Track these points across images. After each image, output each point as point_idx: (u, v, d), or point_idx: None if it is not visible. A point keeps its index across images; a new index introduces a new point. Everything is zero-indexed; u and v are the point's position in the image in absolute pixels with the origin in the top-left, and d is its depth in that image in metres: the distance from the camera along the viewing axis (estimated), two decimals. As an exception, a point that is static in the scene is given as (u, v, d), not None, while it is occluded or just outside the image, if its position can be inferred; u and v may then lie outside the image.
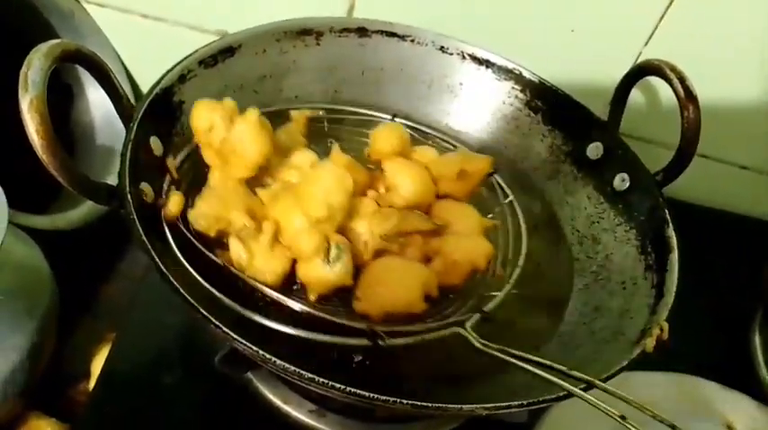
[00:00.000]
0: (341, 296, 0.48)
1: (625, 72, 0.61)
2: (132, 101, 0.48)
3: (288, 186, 0.50)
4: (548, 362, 0.41)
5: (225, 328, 0.37)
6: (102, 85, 0.46)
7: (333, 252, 0.46)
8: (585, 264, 0.57)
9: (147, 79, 0.81)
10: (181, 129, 0.52)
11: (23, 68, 0.39)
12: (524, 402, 0.38)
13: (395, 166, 0.54)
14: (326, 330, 0.44)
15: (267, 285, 0.46)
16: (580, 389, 0.40)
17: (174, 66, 0.52)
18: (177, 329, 0.61)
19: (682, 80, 0.53)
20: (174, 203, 0.47)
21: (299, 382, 0.38)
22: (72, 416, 0.62)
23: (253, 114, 0.48)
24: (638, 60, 0.72)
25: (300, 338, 0.43)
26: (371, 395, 0.36)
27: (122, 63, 0.79)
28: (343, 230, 0.48)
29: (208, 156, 0.50)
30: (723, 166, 0.83)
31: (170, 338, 0.61)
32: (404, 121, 0.64)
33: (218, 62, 0.55)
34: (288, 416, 0.55)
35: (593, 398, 0.39)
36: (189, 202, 0.48)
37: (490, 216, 0.57)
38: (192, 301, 0.38)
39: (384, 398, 0.36)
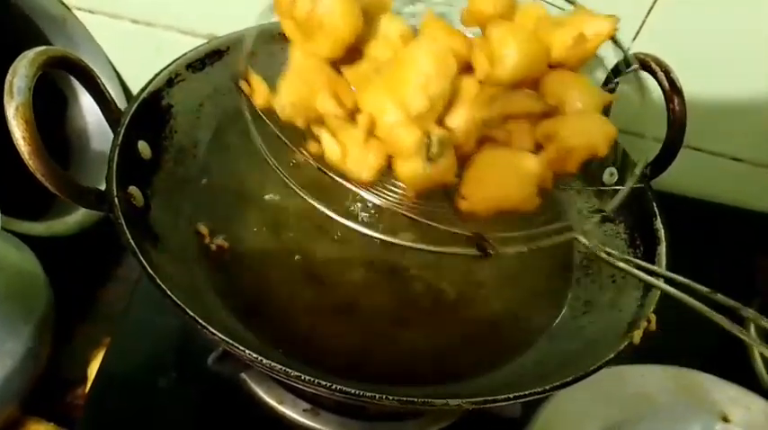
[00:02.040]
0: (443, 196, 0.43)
1: (612, 66, 0.61)
2: (123, 105, 0.49)
3: (379, 66, 0.43)
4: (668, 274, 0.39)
5: (212, 330, 0.38)
6: (89, 91, 0.47)
7: (434, 148, 0.40)
8: (575, 258, 0.57)
9: (138, 84, 0.80)
10: (169, 132, 0.52)
11: (8, 76, 0.39)
12: (510, 396, 0.38)
13: (500, 33, 0.44)
14: (427, 240, 0.39)
15: (362, 184, 0.41)
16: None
17: (162, 70, 0.52)
18: (172, 332, 0.61)
19: (667, 73, 0.53)
20: (259, 93, 0.43)
21: (286, 381, 0.38)
22: (70, 421, 0.62)
23: None
24: (626, 53, 0.72)
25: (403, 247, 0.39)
26: (358, 392, 0.36)
27: (114, 68, 0.79)
28: (441, 118, 0.42)
29: (287, 29, 0.44)
30: (716, 159, 0.83)
31: (165, 341, 0.61)
32: None
33: (207, 65, 0.55)
34: (282, 416, 0.55)
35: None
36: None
37: (610, 87, 0.51)
38: (181, 304, 0.39)
39: (370, 394, 0.36)
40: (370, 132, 0.41)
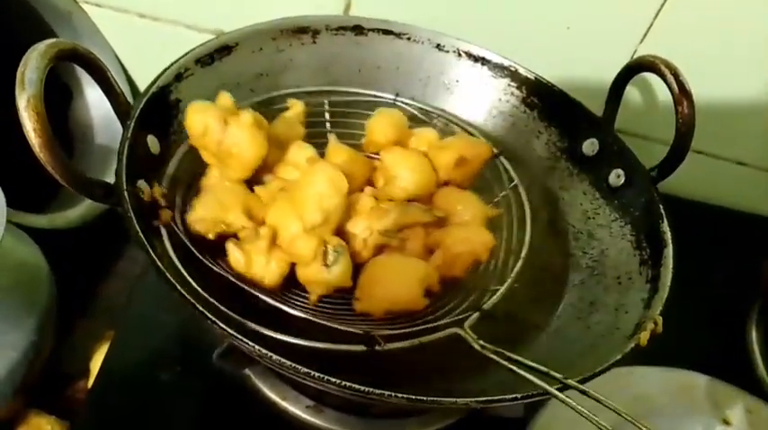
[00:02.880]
0: (344, 295, 0.48)
1: (620, 68, 0.61)
2: (130, 99, 0.49)
3: (285, 185, 0.49)
4: (544, 369, 0.41)
5: (221, 324, 0.38)
6: (98, 84, 0.47)
7: (330, 255, 0.45)
8: (581, 259, 0.57)
9: (144, 78, 0.81)
10: (177, 127, 0.52)
11: (20, 68, 0.39)
12: (518, 396, 0.38)
13: (393, 157, 0.53)
14: (324, 336, 0.43)
15: (265, 290, 0.46)
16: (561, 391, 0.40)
17: (171, 64, 0.52)
18: (175, 327, 0.61)
19: (676, 75, 0.53)
20: (164, 214, 0.47)
21: (295, 377, 0.38)
22: (71, 415, 0.62)
23: (247, 117, 0.48)
24: (634, 57, 0.72)
25: (297, 346, 0.41)
26: (367, 389, 0.36)
27: (120, 62, 0.79)
28: (341, 229, 0.48)
29: (205, 156, 0.50)
30: (719, 163, 0.83)
31: (168, 336, 0.61)
32: (406, 101, 0.63)
33: (215, 60, 0.55)
34: (285, 412, 0.55)
35: (577, 405, 0.40)
36: (187, 202, 0.49)
37: (496, 200, 0.57)
38: (190, 298, 0.39)
39: (379, 391, 0.36)
40: (273, 243, 0.46)
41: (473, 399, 0.38)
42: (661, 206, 0.54)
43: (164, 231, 0.45)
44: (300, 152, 0.52)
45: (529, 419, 0.59)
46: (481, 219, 0.53)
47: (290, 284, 0.48)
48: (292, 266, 0.47)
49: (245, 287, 0.45)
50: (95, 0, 0.74)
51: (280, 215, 0.47)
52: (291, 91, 0.60)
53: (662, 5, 0.68)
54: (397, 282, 0.46)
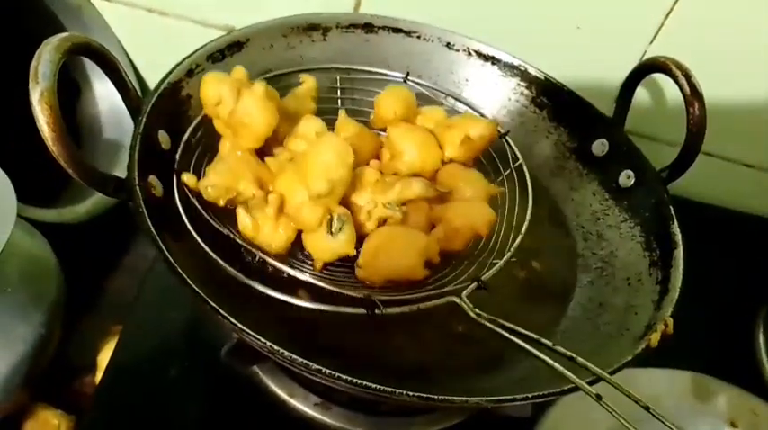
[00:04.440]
0: (346, 264, 0.49)
1: (631, 69, 0.61)
2: (139, 94, 0.49)
3: (294, 156, 0.50)
4: (536, 336, 0.42)
5: (232, 320, 0.38)
6: (110, 79, 0.47)
7: (335, 224, 0.47)
8: (590, 260, 0.57)
9: (152, 73, 0.81)
10: (189, 122, 0.52)
11: (34, 62, 0.39)
12: (529, 395, 0.38)
13: (399, 133, 0.55)
14: (326, 300, 0.45)
15: (272, 254, 0.47)
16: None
17: (182, 60, 0.52)
18: (183, 322, 0.61)
19: (687, 77, 0.53)
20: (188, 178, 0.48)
21: (305, 373, 0.38)
22: (78, 408, 0.62)
23: (259, 88, 0.49)
24: (644, 58, 0.72)
25: (301, 308, 0.43)
26: (377, 387, 0.36)
27: (128, 57, 0.79)
28: (346, 200, 0.49)
29: (218, 126, 0.51)
30: (728, 164, 0.83)
31: (176, 331, 0.61)
32: (416, 80, 0.63)
33: (226, 57, 0.55)
34: (293, 409, 0.55)
35: (573, 376, 0.40)
36: (201, 171, 0.50)
37: (500, 179, 0.58)
38: (201, 293, 0.39)
39: (390, 389, 0.36)
40: (280, 210, 0.48)
41: (484, 399, 0.38)
42: (671, 207, 0.54)
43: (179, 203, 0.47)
44: (310, 125, 0.53)
45: (537, 419, 0.59)
46: (483, 195, 0.54)
47: (296, 252, 0.49)
48: (299, 234, 0.49)
49: (253, 249, 0.47)
50: (104, -6, 0.74)
51: (287, 183, 0.48)
52: (305, 68, 0.60)
53: (672, 6, 0.68)
54: (399, 252, 0.48)
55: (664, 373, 0.66)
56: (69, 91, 0.79)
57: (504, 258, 0.51)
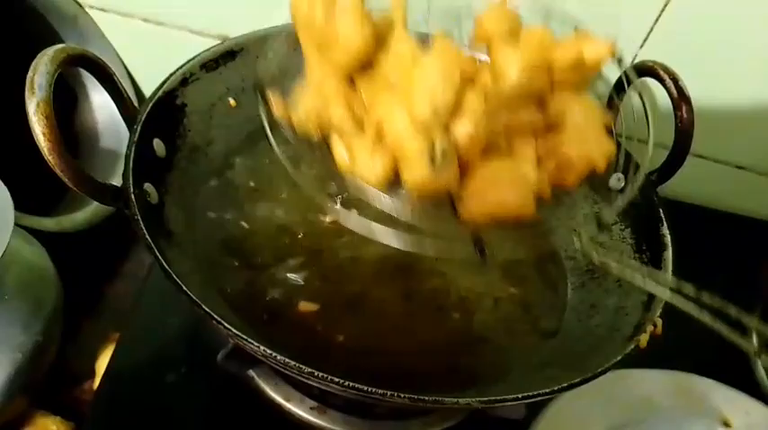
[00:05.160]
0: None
1: (620, 73, 0.62)
2: (135, 103, 0.49)
3: (389, 80, 0.45)
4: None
5: (226, 325, 0.38)
6: (106, 89, 0.47)
7: (438, 155, 0.42)
8: (581, 262, 0.58)
9: (148, 82, 0.82)
10: (183, 131, 0.53)
11: (30, 72, 0.40)
12: (520, 395, 0.39)
13: (503, 54, 0.47)
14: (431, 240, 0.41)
15: (370, 185, 0.43)
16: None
17: (177, 69, 0.53)
18: (180, 328, 0.62)
19: (675, 80, 0.54)
20: (278, 104, 0.45)
21: (299, 377, 0.38)
22: (77, 415, 0.63)
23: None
24: (633, 62, 0.73)
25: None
26: (369, 389, 0.37)
27: (125, 66, 0.79)
28: (448, 127, 0.43)
29: (305, 43, 0.46)
30: (719, 166, 0.84)
31: (173, 337, 0.61)
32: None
33: (220, 65, 0.56)
34: (289, 413, 0.56)
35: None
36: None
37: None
38: (195, 298, 0.39)
39: (381, 391, 0.37)
40: (378, 139, 0.42)
41: (475, 399, 0.38)
42: (661, 209, 0.55)
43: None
44: (404, 45, 0.46)
45: (531, 420, 0.59)
46: (600, 124, 0.48)
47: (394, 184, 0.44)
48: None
49: (350, 181, 0.43)
50: (100, 4, 0.75)
51: (386, 109, 0.43)
52: None
53: (662, 10, 0.68)
54: (509, 185, 0.43)
55: (657, 374, 0.67)
56: (67, 100, 0.80)
57: (626, 195, 0.47)
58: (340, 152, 0.43)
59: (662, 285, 0.39)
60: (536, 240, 0.43)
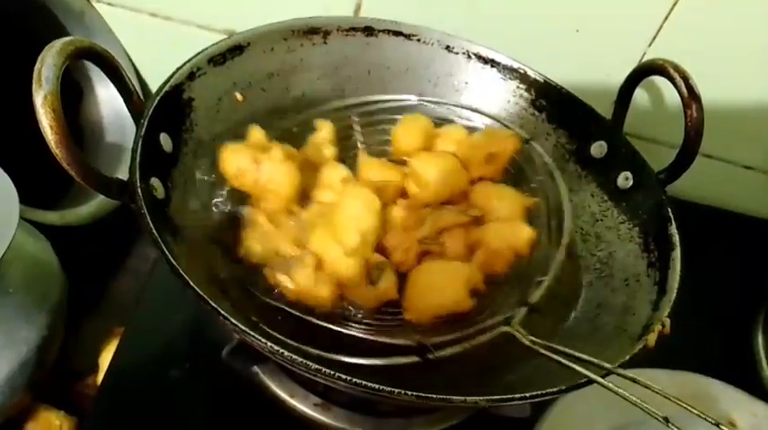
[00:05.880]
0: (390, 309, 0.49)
1: (629, 72, 0.61)
2: (141, 98, 0.49)
3: (323, 209, 0.50)
4: (596, 361, 0.42)
5: (233, 320, 0.38)
6: (113, 82, 0.47)
7: (374, 273, 0.47)
8: (589, 261, 0.58)
9: (155, 77, 0.82)
10: (189, 125, 0.52)
11: (37, 65, 0.39)
12: (527, 394, 0.39)
13: (421, 163, 0.54)
14: (377, 351, 0.44)
15: (314, 314, 0.47)
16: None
17: (184, 63, 0.52)
18: (184, 323, 0.62)
19: (685, 79, 0.53)
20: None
21: (305, 373, 0.38)
22: (80, 410, 0.63)
23: (277, 152, 0.50)
24: (643, 60, 0.72)
25: (354, 364, 0.42)
26: (378, 387, 0.37)
27: (131, 61, 0.79)
28: (380, 244, 0.50)
29: (245, 193, 0.52)
30: (727, 166, 0.84)
31: (177, 332, 0.61)
32: (430, 99, 0.64)
33: (227, 60, 0.56)
34: (293, 410, 0.56)
35: (644, 404, 0.42)
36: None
37: (533, 185, 0.58)
38: (203, 294, 0.39)
39: (389, 389, 0.37)
40: (318, 268, 0.47)
41: (482, 398, 0.38)
42: (669, 209, 0.54)
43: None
44: (334, 173, 0.53)
45: (536, 420, 0.59)
46: (519, 211, 0.53)
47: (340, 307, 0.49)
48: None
49: (292, 311, 0.47)
50: (108, -1, 0.75)
51: (321, 241, 0.48)
52: (316, 110, 0.60)
53: (671, 8, 0.68)
54: (443, 287, 0.47)
55: (663, 374, 0.66)
56: (72, 94, 0.79)
57: (549, 276, 0.51)
58: (285, 284, 0.47)
59: (596, 373, 0.41)
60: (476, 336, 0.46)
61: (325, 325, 0.46)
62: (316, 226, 0.49)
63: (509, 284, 0.52)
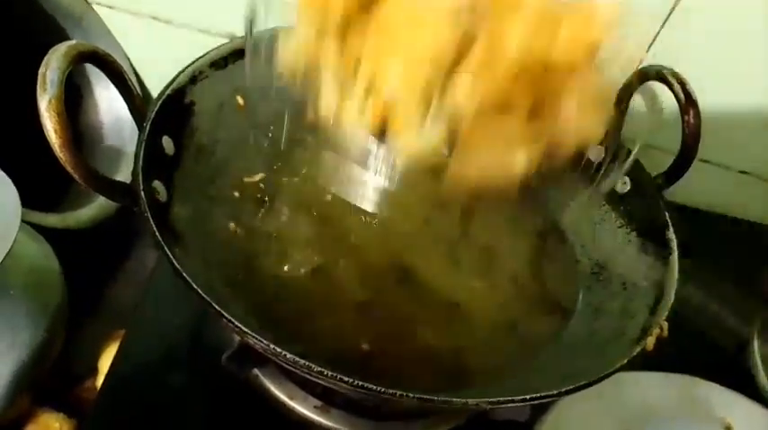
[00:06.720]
0: None
1: (627, 78, 0.62)
2: (143, 102, 0.49)
3: (382, 19, 0.40)
4: None
5: (236, 322, 0.38)
6: (116, 86, 0.47)
7: (430, 114, 0.40)
8: (587, 265, 0.58)
9: (155, 80, 0.82)
10: (191, 129, 0.53)
11: (42, 69, 0.40)
12: (527, 397, 0.39)
13: (506, 19, 0.42)
14: None
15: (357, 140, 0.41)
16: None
17: (186, 67, 0.53)
18: (185, 327, 0.62)
19: (682, 85, 0.54)
20: None
21: (308, 375, 0.38)
22: (80, 413, 0.63)
23: None
24: (640, 66, 0.73)
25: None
26: (380, 388, 0.37)
27: (131, 64, 0.79)
28: (442, 90, 0.40)
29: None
30: (724, 171, 0.84)
31: (177, 336, 0.61)
32: None
33: (229, 64, 0.56)
34: (293, 412, 0.56)
35: None
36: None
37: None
38: (205, 296, 0.39)
39: (391, 391, 0.37)
40: (370, 92, 0.40)
41: (484, 400, 0.38)
42: (667, 213, 0.55)
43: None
44: None
45: (535, 422, 0.60)
46: (596, 101, 0.46)
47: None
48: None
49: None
50: (108, 2, 0.74)
51: (382, 60, 0.39)
52: None
53: (669, 14, 0.69)
54: (497, 145, 0.42)
55: (660, 377, 0.67)
56: (72, 98, 0.79)
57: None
58: (328, 98, 0.40)
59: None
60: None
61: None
62: (374, 35, 0.40)
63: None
